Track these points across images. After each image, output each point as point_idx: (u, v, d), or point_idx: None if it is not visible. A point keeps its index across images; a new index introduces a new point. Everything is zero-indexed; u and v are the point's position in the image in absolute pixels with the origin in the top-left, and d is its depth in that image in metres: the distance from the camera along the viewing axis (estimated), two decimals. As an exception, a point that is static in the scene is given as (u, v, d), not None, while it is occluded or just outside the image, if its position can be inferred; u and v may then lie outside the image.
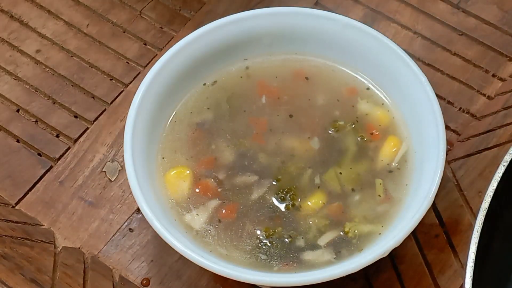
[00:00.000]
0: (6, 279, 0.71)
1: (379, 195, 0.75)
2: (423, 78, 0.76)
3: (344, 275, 0.69)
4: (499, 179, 0.70)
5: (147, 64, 0.87)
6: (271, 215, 0.74)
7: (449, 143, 0.82)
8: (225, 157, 0.77)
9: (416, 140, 0.76)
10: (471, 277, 0.66)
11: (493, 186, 0.69)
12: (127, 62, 0.88)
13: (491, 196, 0.69)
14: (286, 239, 0.73)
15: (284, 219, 0.74)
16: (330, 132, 0.78)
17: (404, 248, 0.77)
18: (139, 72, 0.87)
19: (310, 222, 0.74)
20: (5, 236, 0.75)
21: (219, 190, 0.76)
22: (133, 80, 0.87)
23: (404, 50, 0.78)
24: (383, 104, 0.79)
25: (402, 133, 0.77)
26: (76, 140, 0.84)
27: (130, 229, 0.79)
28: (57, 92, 0.86)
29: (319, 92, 0.80)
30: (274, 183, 0.76)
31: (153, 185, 0.75)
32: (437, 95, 0.75)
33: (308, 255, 0.72)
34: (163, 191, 0.75)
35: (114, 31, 0.89)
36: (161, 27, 0.90)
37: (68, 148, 0.83)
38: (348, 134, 0.78)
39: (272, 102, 0.80)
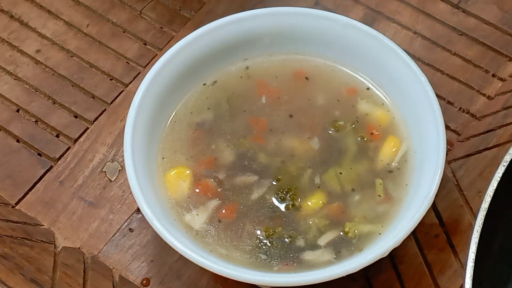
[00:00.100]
0: (6, 279, 0.71)
1: (379, 195, 0.75)
2: (423, 78, 0.76)
3: (344, 275, 0.69)
4: (499, 179, 0.70)
5: (147, 64, 0.87)
6: (271, 215, 0.74)
7: (449, 143, 0.82)
8: (225, 157, 0.77)
9: (416, 140, 0.76)
10: (471, 277, 0.66)
11: (493, 186, 0.69)
12: (127, 62, 0.88)
13: (491, 196, 0.69)
14: (286, 239, 0.73)
15: (284, 219, 0.74)
16: (330, 132, 0.78)
17: (404, 248, 0.77)
18: (139, 72, 0.87)
19: (310, 222, 0.74)
20: (5, 236, 0.75)
21: (219, 190, 0.76)
22: (133, 80, 0.87)
23: (404, 50, 0.78)
24: (383, 104, 0.79)
25: (402, 133, 0.77)
26: (76, 140, 0.84)
27: (130, 229, 0.79)
28: (57, 92, 0.86)
29: (319, 92, 0.80)
30: (274, 183, 0.76)
31: (153, 185, 0.75)
32: (437, 95, 0.75)
33: (308, 255, 0.72)
34: (163, 191, 0.75)
35: (114, 31, 0.89)
36: (161, 27, 0.90)
37: (68, 148, 0.83)
38: (348, 134, 0.78)
39: (272, 102, 0.80)
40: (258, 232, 0.74)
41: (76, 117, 0.85)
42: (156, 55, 0.88)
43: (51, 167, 0.82)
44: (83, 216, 0.80)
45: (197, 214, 0.74)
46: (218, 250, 0.73)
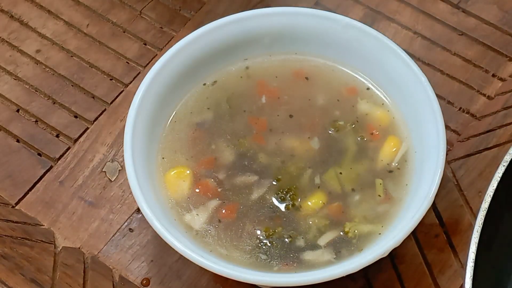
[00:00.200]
0: (6, 279, 0.72)
1: (379, 195, 0.75)
2: (423, 78, 0.76)
3: (344, 275, 0.69)
4: (499, 179, 0.70)
5: (147, 64, 0.87)
6: (271, 215, 0.74)
7: (449, 143, 0.82)
8: (225, 157, 0.77)
9: (416, 140, 0.76)
10: (471, 277, 0.66)
11: (493, 186, 0.69)
12: (127, 62, 0.88)
13: (491, 196, 0.69)
14: (286, 239, 0.73)
15: (284, 219, 0.74)
16: (330, 132, 0.78)
17: (404, 248, 0.77)
18: (139, 72, 0.87)
19: (310, 222, 0.74)
20: (5, 236, 0.75)
21: (219, 190, 0.76)
22: (133, 80, 0.87)
23: (404, 50, 0.78)
24: (383, 104, 0.79)
25: (402, 133, 0.77)
26: (76, 140, 0.84)
27: (130, 229, 0.79)
28: (57, 92, 0.86)
29: (319, 92, 0.80)
30: (274, 183, 0.76)
31: (153, 185, 0.75)
32: (437, 95, 0.75)
33: (308, 255, 0.72)
34: (163, 191, 0.75)
35: (114, 31, 0.89)
36: (161, 27, 0.90)
37: (68, 148, 0.83)
38: (348, 134, 0.78)
39: (272, 102, 0.80)
40: (258, 232, 0.74)
41: (76, 117, 0.85)
42: (156, 55, 0.88)
43: (51, 167, 0.82)
44: (83, 216, 0.80)
45: (197, 214, 0.74)
46: (218, 250, 0.73)
